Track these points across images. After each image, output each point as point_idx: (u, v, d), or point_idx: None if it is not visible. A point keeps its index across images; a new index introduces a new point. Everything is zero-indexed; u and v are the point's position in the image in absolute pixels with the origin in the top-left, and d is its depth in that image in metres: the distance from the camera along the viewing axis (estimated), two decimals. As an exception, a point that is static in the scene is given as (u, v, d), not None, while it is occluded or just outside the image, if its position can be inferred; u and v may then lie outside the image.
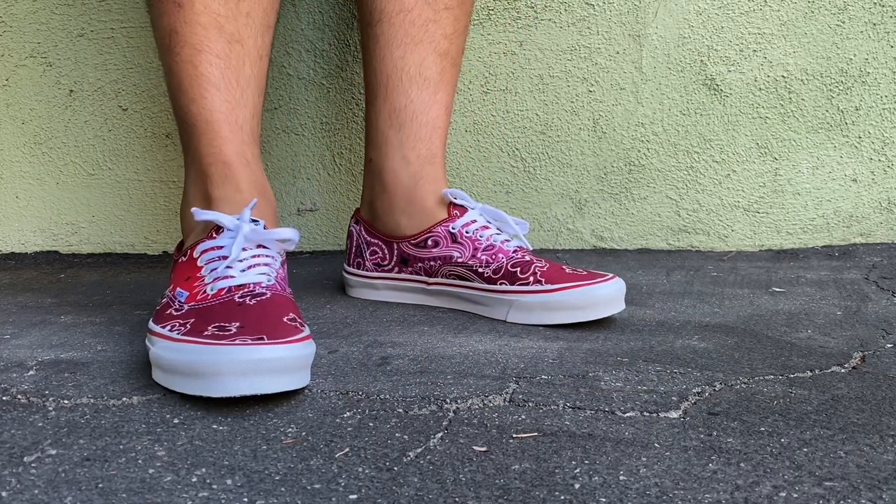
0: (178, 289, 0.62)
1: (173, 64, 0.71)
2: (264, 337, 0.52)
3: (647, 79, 1.06)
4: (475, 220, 0.79)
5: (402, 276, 0.83)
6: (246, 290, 0.60)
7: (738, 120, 1.06)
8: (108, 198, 1.14)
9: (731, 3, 1.04)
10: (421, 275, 0.81)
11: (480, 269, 0.76)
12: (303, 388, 0.55)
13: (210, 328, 0.54)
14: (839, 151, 1.06)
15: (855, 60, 1.04)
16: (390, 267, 0.83)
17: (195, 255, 0.65)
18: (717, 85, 1.06)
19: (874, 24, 1.03)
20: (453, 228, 0.79)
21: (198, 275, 0.62)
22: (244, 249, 0.63)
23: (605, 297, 0.71)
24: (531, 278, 0.73)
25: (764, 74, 1.05)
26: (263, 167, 0.77)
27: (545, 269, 0.73)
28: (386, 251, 0.84)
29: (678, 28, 1.05)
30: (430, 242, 0.80)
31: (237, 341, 0.51)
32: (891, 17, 1.03)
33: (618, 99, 1.07)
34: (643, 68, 1.06)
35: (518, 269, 0.74)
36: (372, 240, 0.85)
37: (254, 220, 0.65)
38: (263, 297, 0.59)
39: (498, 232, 0.79)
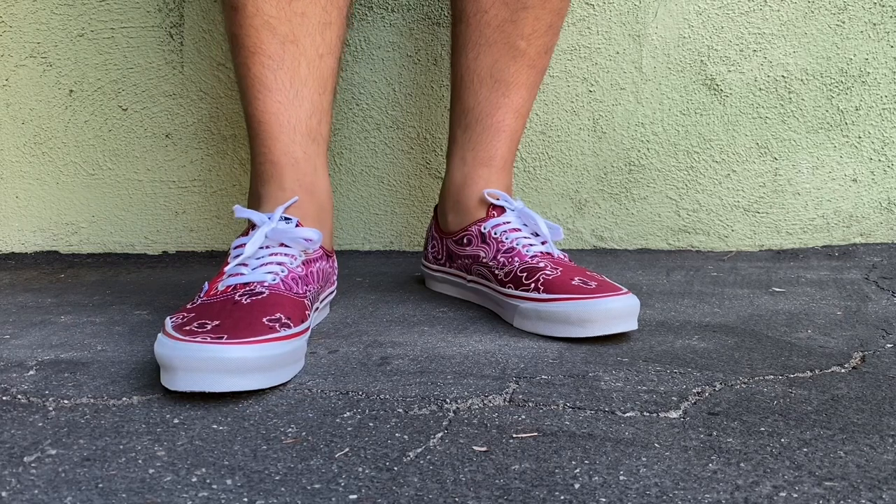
0: (207, 282, 0.64)
1: (235, 66, 0.73)
2: (224, 336, 0.52)
3: (647, 79, 1.06)
4: (508, 222, 0.79)
5: (451, 270, 0.85)
6: (248, 288, 0.61)
7: (738, 120, 1.06)
8: (108, 198, 1.14)
9: (731, 3, 1.04)
10: (461, 271, 0.83)
11: (496, 271, 0.76)
12: (282, 385, 0.55)
13: (193, 324, 0.55)
14: (839, 151, 1.06)
15: (855, 60, 1.04)
16: (443, 261, 0.86)
17: (230, 250, 0.67)
18: (717, 85, 1.06)
19: (874, 24, 1.03)
20: (484, 228, 0.79)
21: (224, 269, 0.65)
22: (266, 247, 0.65)
23: (605, 312, 0.65)
24: (532, 285, 0.71)
25: (764, 74, 1.05)
26: (327, 163, 0.78)
27: (552, 276, 0.70)
28: (439, 246, 0.87)
29: (678, 28, 1.05)
30: (465, 241, 0.81)
31: (198, 339, 0.52)
32: (891, 17, 1.03)
33: (618, 99, 1.07)
34: (643, 68, 1.06)
35: (525, 274, 0.72)
36: (434, 234, 0.88)
37: (286, 219, 0.67)
38: (259, 297, 0.60)
39: (528, 235, 0.77)
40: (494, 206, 0.80)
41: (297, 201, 0.71)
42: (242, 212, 0.68)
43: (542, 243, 0.77)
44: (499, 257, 0.76)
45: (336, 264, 0.80)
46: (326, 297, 0.76)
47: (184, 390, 0.51)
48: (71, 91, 1.12)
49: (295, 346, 0.57)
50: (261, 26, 0.70)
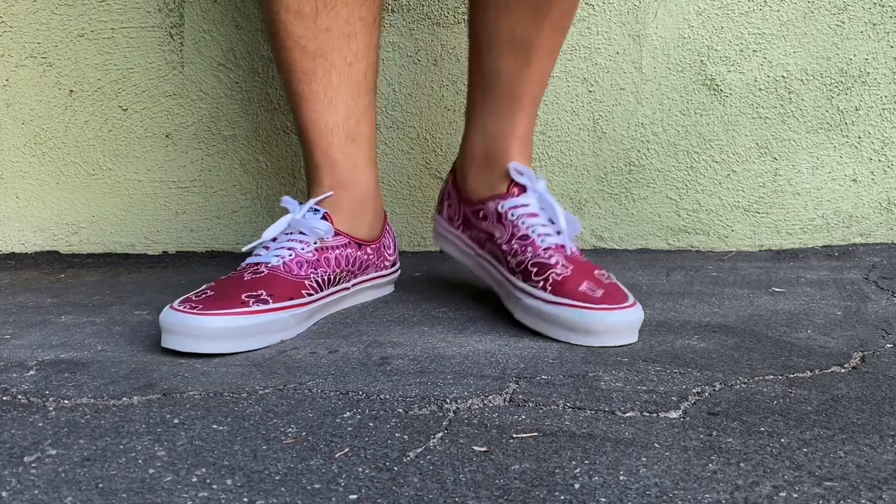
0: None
1: (282, 83, 0.82)
2: (200, 306, 0.64)
3: (647, 79, 1.06)
4: (527, 205, 0.76)
5: (465, 238, 0.83)
6: (255, 267, 0.71)
7: (738, 120, 1.06)
8: (108, 198, 1.14)
9: (731, 3, 1.04)
10: (474, 242, 0.82)
11: (509, 258, 0.75)
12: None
13: (200, 294, 0.67)
14: (839, 151, 1.06)
15: (855, 60, 1.04)
16: (458, 224, 0.84)
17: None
18: (717, 85, 1.06)
19: (874, 24, 1.03)
20: (501, 208, 0.77)
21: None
22: (289, 234, 0.75)
23: (608, 325, 0.65)
24: (541, 283, 0.69)
25: (764, 74, 1.05)
26: (370, 158, 0.84)
27: (561, 277, 0.69)
28: (457, 207, 0.85)
29: (678, 28, 1.05)
30: (481, 214, 0.80)
31: (181, 308, 0.64)
32: (891, 17, 1.03)
33: (618, 99, 1.07)
34: (643, 68, 1.06)
35: (536, 268, 0.71)
36: (452, 191, 0.86)
37: (315, 210, 0.77)
38: (258, 276, 0.70)
39: (545, 223, 0.75)
40: (516, 184, 0.77)
41: (330, 196, 0.79)
42: (282, 203, 0.78)
43: (558, 233, 0.74)
44: (513, 243, 0.75)
45: (387, 252, 0.87)
46: (369, 280, 0.84)
47: (164, 346, 0.64)
48: (71, 91, 1.12)
49: (268, 319, 0.66)
50: (293, 46, 0.78)
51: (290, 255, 0.73)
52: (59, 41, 1.11)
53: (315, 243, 0.75)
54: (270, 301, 0.67)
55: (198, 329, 0.63)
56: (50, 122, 1.13)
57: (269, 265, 0.71)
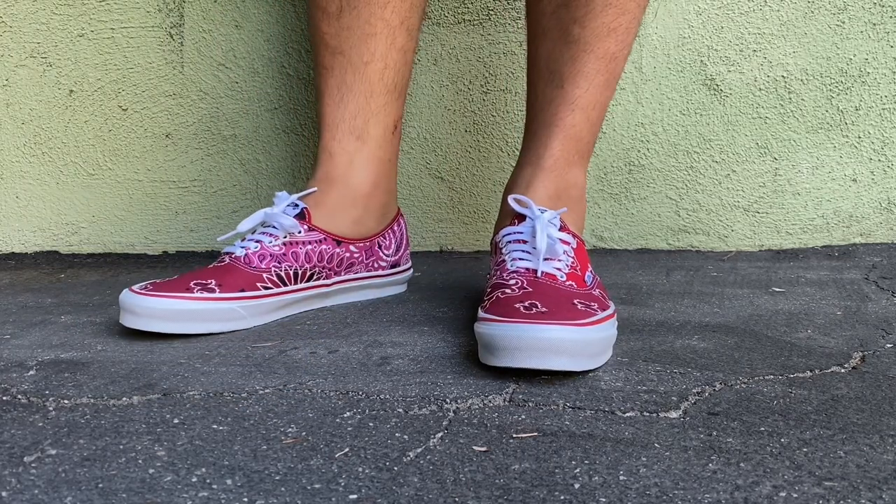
0: None
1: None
2: (151, 288, 0.70)
3: (647, 79, 1.06)
4: (520, 233, 0.70)
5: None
6: (223, 258, 0.75)
7: (738, 120, 1.06)
8: (108, 198, 1.14)
9: (731, 3, 1.04)
10: None
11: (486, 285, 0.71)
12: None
13: (160, 280, 0.73)
14: (839, 151, 1.06)
15: (855, 60, 1.04)
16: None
17: None
18: (717, 85, 1.06)
19: (874, 24, 1.03)
20: (499, 237, 0.72)
21: None
22: (265, 226, 0.77)
23: (531, 341, 0.54)
24: (485, 302, 0.63)
25: (764, 74, 1.05)
26: (375, 158, 0.84)
27: (505, 296, 0.61)
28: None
29: (678, 28, 1.05)
30: (495, 249, 0.75)
31: (137, 289, 0.70)
32: (891, 17, 1.03)
33: (618, 99, 1.07)
34: (643, 68, 1.06)
35: (490, 289, 0.66)
36: None
37: (296, 204, 0.79)
38: (219, 265, 0.74)
39: (529, 249, 0.68)
40: (517, 215, 0.71)
41: (314, 192, 0.81)
42: (276, 196, 0.81)
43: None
44: (492, 268, 0.72)
45: (384, 252, 0.86)
46: (358, 280, 0.84)
47: (120, 322, 0.70)
48: (71, 91, 1.12)
49: (209, 307, 0.70)
50: (318, 42, 0.82)
51: (256, 248, 0.75)
52: (59, 41, 1.11)
53: (284, 237, 0.76)
54: (217, 290, 0.71)
55: (140, 308, 0.68)
56: (50, 122, 1.13)
57: (233, 256, 0.74)
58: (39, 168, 1.14)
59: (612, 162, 1.08)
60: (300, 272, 0.77)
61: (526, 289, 0.62)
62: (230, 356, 0.64)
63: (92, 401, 0.54)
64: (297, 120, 1.11)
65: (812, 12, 1.03)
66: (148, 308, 0.68)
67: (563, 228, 0.70)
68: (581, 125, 0.75)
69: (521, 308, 0.58)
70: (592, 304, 0.61)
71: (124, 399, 0.54)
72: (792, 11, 1.04)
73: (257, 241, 0.76)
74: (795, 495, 0.39)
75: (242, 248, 0.75)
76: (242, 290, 0.72)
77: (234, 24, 1.10)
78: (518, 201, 0.72)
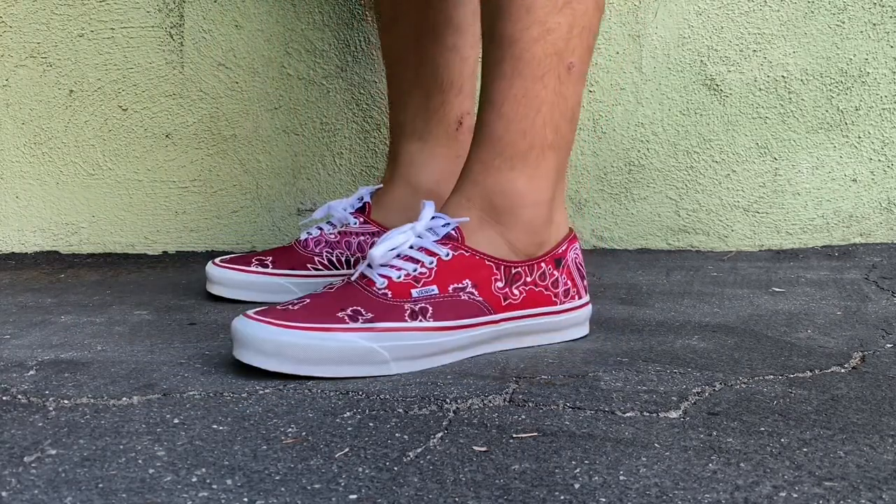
0: None
1: None
2: (228, 261, 0.86)
3: (647, 79, 1.06)
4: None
5: None
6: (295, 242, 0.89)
7: (738, 120, 1.06)
8: (108, 198, 1.14)
9: (731, 3, 1.04)
10: None
11: None
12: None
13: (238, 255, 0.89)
14: (839, 151, 1.06)
15: (855, 60, 1.04)
16: None
17: None
18: (717, 85, 1.06)
19: (874, 24, 1.03)
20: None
21: None
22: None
23: (240, 335, 0.58)
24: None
25: (764, 74, 1.05)
26: (437, 155, 0.88)
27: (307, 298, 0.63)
28: None
29: (678, 28, 1.05)
30: None
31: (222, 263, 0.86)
32: (891, 17, 1.03)
33: (618, 99, 1.07)
34: (643, 68, 1.06)
35: None
36: None
37: (360, 199, 0.87)
38: (283, 246, 0.88)
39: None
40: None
41: (380, 188, 0.88)
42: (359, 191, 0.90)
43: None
44: None
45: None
46: None
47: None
48: (71, 91, 1.12)
49: (263, 280, 0.83)
50: (384, 55, 0.91)
51: (316, 234, 0.86)
52: (59, 41, 1.11)
53: (339, 227, 0.86)
54: (270, 266, 0.83)
55: (216, 277, 0.84)
56: (50, 122, 1.13)
57: (299, 240, 0.86)
58: (39, 168, 1.14)
59: (612, 162, 1.08)
60: (350, 259, 0.85)
61: (329, 289, 0.62)
62: (230, 356, 0.64)
63: (92, 401, 0.54)
64: (297, 120, 1.11)
65: (812, 12, 1.03)
66: (222, 277, 0.83)
67: (442, 240, 0.63)
68: (494, 123, 0.65)
69: (290, 307, 0.59)
70: (366, 314, 0.59)
71: (124, 399, 0.54)
72: (792, 11, 1.04)
73: (319, 228, 0.86)
74: (795, 495, 0.39)
75: (307, 233, 0.86)
76: (293, 269, 0.84)
77: (234, 24, 1.10)
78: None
